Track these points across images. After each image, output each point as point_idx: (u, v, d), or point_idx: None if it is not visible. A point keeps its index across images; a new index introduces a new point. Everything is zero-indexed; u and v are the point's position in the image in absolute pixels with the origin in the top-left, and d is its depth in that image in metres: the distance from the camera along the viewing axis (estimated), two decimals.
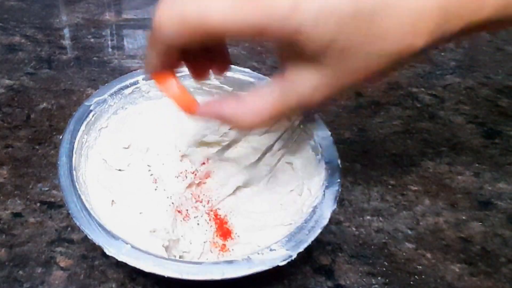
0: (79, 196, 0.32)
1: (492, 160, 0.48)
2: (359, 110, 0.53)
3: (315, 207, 0.33)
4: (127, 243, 0.30)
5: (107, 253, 0.29)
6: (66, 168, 0.34)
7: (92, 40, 0.62)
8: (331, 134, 0.38)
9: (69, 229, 0.38)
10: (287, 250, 0.30)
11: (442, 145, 0.49)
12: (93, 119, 0.38)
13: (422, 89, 0.57)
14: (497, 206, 0.43)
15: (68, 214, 0.39)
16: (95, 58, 0.59)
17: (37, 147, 0.45)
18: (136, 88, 0.42)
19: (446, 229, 0.41)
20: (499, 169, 0.47)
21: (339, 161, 0.36)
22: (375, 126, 0.51)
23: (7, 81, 0.53)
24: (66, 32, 0.63)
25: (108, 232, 0.30)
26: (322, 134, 0.38)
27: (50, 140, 0.46)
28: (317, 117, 0.39)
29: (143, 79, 0.42)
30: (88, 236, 0.30)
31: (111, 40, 0.63)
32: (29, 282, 0.34)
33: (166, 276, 0.28)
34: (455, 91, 0.58)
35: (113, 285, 0.35)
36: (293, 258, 0.29)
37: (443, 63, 0.63)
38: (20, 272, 0.35)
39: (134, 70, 0.43)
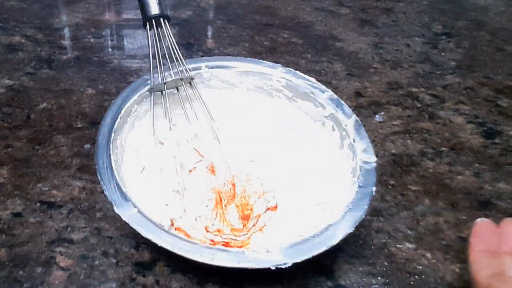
0: (110, 155, 0.34)
1: (492, 160, 0.48)
2: (359, 110, 0.53)
3: (330, 225, 0.32)
4: (135, 207, 0.31)
5: (115, 210, 0.30)
6: (107, 129, 0.36)
7: (92, 40, 0.62)
8: (376, 161, 0.36)
9: (69, 229, 0.38)
10: (283, 256, 0.29)
11: (442, 145, 0.49)
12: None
13: (422, 89, 0.57)
14: (497, 206, 0.43)
15: (68, 214, 0.39)
16: (95, 58, 0.59)
17: (37, 147, 0.45)
18: (197, 74, 0.43)
19: (446, 229, 0.40)
20: (499, 169, 0.47)
21: (373, 189, 0.34)
22: (375, 126, 0.51)
23: (7, 81, 0.53)
24: (66, 32, 0.63)
25: (123, 193, 0.32)
26: (367, 158, 0.37)
27: (50, 140, 0.46)
28: (367, 141, 0.38)
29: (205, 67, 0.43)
30: (104, 191, 0.31)
31: (111, 40, 0.63)
32: (29, 282, 0.34)
33: (159, 245, 0.29)
34: (455, 91, 0.58)
35: (113, 285, 0.35)
36: (286, 265, 0.29)
37: (443, 63, 0.63)
38: (20, 272, 0.35)
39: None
